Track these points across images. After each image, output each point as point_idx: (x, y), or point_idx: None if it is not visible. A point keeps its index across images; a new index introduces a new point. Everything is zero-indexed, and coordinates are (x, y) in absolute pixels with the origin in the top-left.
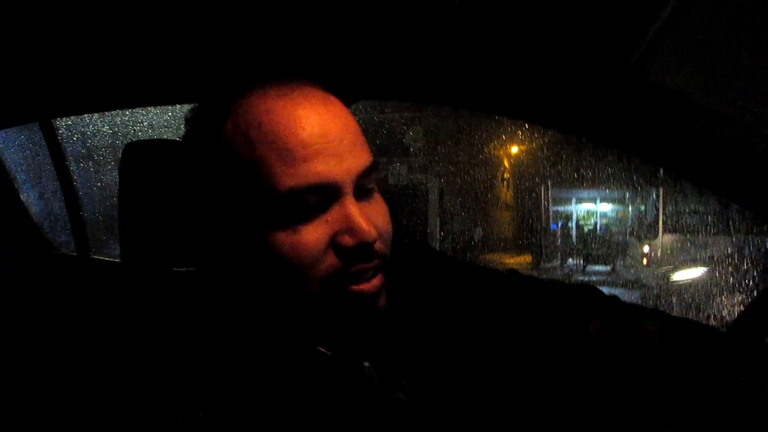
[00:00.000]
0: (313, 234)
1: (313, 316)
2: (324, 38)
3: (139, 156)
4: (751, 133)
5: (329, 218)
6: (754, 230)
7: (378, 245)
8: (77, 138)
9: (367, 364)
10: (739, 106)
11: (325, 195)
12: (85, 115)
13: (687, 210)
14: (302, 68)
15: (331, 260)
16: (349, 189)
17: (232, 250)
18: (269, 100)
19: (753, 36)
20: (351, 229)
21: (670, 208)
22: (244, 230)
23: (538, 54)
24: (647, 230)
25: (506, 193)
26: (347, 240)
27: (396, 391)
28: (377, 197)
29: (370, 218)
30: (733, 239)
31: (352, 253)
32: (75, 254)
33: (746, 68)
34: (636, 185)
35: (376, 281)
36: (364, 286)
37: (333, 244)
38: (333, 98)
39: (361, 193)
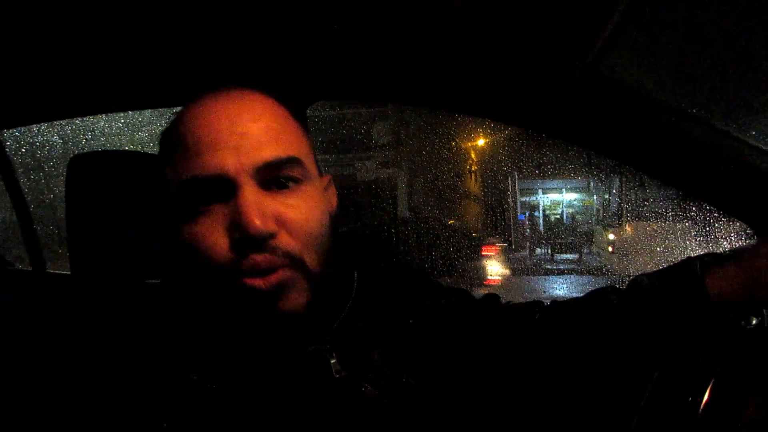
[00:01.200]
0: (209, 225)
1: (218, 310)
2: (284, 40)
3: (85, 168)
4: (706, 126)
5: (226, 210)
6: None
7: (282, 239)
8: (26, 150)
9: (333, 360)
10: (694, 102)
11: (221, 187)
12: (33, 126)
13: (649, 198)
14: (260, 72)
15: (226, 252)
16: (245, 180)
17: (170, 248)
18: (194, 106)
19: (705, 33)
20: (237, 221)
21: (633, 197)
22: (168, 227)
23: (496, 53)
24: (612, 218)
25: (474, 186)
26: (233, 232)
27: (362, 385)
28: (301, 191)
29: (275, 211)
30: (694, 225)
31: (243, 244)
32: (29, 269)
33: (699, 64)
34: (599, 175)
35: (273, 278)
36: (257, 281)
37: (228, 235)
38: (260, 99)
39: (273, 185)
